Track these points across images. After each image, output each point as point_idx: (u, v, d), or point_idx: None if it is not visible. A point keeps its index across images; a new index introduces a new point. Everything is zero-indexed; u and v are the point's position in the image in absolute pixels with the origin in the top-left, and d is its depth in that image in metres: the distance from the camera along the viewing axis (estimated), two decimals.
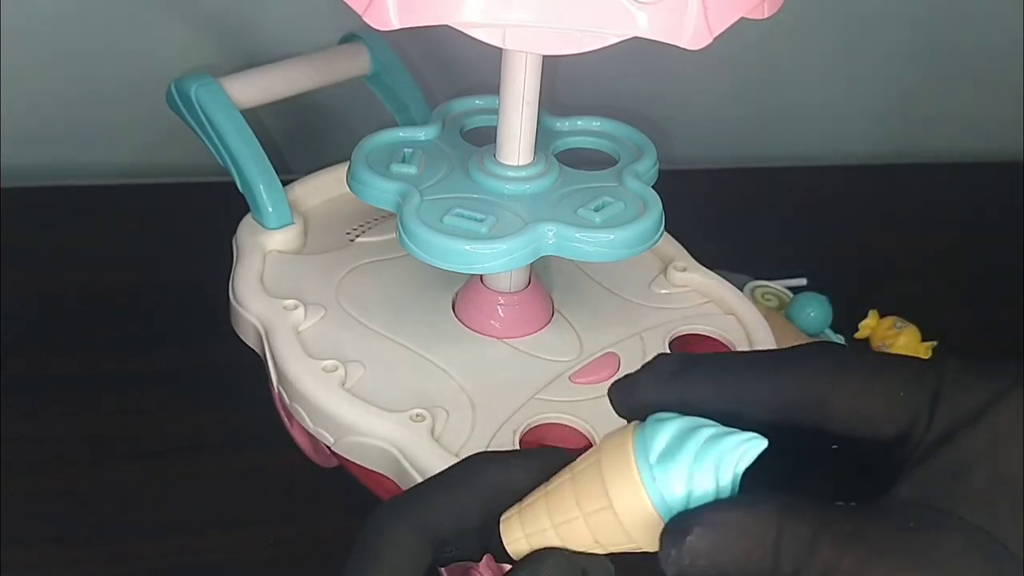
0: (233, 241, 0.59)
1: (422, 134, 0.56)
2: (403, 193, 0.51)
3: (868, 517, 0.31)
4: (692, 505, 0.30)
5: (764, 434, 0.31)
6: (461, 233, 0.49)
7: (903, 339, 0.70)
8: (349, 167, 0.53)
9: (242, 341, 0.56)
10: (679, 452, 0.30)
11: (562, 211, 0.51)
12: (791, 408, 0.33)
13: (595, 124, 0.58)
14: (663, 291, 0.58)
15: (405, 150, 0.54)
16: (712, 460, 0.30)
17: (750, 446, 0.31)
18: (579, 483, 0.32)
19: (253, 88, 0.61)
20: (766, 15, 0.43)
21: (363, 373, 0.52)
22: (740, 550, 0.30)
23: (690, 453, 0.30)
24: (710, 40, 0.39)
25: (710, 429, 0.31)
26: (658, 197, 0.52)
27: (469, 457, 0.35)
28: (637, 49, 0.41)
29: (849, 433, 0.33)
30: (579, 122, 0.58)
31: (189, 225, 0.75)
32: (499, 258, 0.49)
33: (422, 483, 0.35)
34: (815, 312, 0.70)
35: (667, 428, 0.31)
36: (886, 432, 0.33)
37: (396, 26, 0.39)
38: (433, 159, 0.54)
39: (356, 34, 0.66)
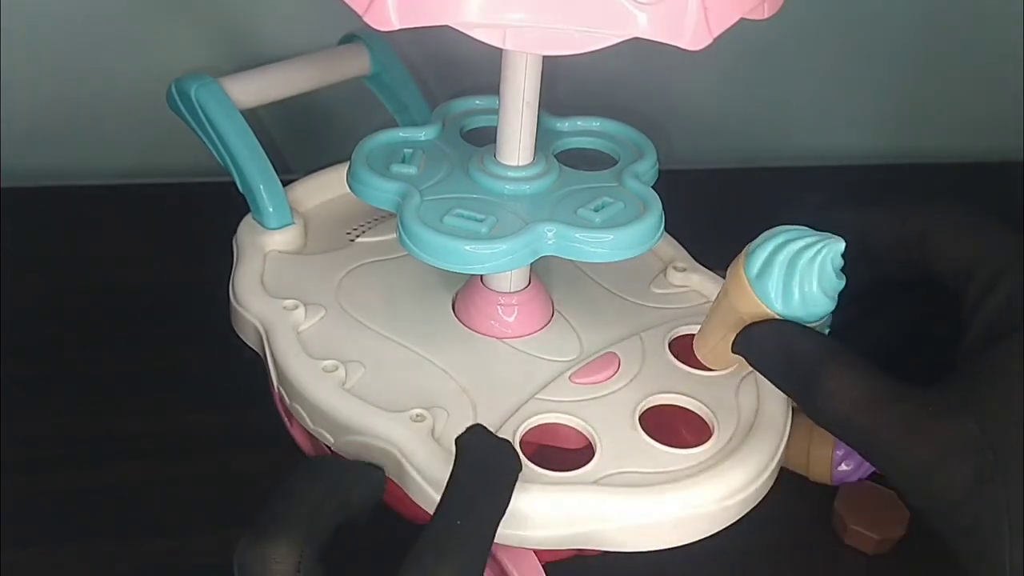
0: (233, 241, 0.60)
1: (422, 134, 0.56)
2: (403, 193, 0.51)
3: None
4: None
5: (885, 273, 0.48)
6: (461, 233, 0.49)
7: None
8: (349, 167, 0.53)
9: (242, 341, 0.56)
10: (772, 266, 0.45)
11: (562, 211, 0.51)
12: (902, 245, 0.46)
13: (595, 124, 0.58)
14: (663, 291, 0.59)
15: (405, 150, 0.54)
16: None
17: (831, 246, 0.44)
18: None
19: (253, 88, 0.61)
20: (766, 15, 0.43)
21: (363, 373, 0.52)
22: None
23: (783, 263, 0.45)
24: (710, 40, 0.39)
25: (799, 242, 0.45)
26: (658, 197, 0.52)
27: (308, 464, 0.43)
28: (637, 49, 0.41)
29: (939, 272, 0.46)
30: (579, 122, 0.58)
31: (189, 225, 0.75)
32: (499, 258, 0.49)
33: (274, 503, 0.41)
34: None
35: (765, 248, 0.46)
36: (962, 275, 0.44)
37: (396, 26, 0.39)
38: (433, 159, 0.54)
39: (356, 34, 0.66)
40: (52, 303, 0.69)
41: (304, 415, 0.52)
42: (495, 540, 0.46)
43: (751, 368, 0.53)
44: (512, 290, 0.55)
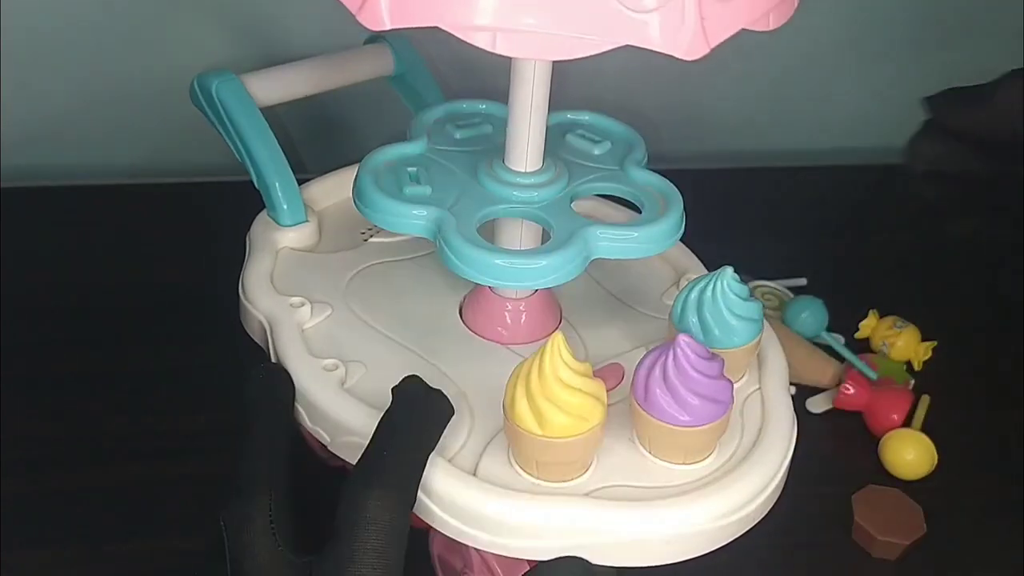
0: (247, 237, 0.60)
1: (413, 148, 0.54)
2: (437, 219, 0.49)
3: None
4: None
5: None
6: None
7: (903, 339, 0.70)
8: (363, 198, 0.51)
9: (243, 339, 0.56)
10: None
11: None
12: None
13: (585, 118, 0.58)
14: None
15: (408, 169, 0.53)
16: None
17: (721, 276, 0.50)
18: None
19: (275, 86, 0.61)
20: (772, 26, 0.42)
21: (364, 374, 0.52)
22: None
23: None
24: (707, 51, 0.38)
25: (699, 283, 0.50)
26: (672, 184, 0.52)
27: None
28: (635, 49, 0.41)
29: None
30: (569, 115, 0.58)
31: (191, 225, 0.76)
32: (557, 271, 0.48)
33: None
34: (808, 314, 0.70)
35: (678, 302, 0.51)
36: None
37: (388, 26, 0.38)
38: (437, 173, 0.53)
39: (381, 35, 0.66)
40: (52, 303, 0.69)
41: (303, 413, 0.51)
42: (491, 549, 0.47)
43: (757, 385, 0.53)
44: (520, 296, 0.54)
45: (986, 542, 0.60)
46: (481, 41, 0.37)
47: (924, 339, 0.70)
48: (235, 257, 0.59)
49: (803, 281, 0.75)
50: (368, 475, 0.44)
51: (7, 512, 0.56)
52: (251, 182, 0.60)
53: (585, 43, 0.38)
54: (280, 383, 0.51)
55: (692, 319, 0.50)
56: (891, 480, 0.63)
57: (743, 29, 0.40)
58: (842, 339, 0.71)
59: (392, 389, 0.48)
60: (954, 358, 0.71)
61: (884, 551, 0.59)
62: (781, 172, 0.89)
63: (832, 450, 0.65)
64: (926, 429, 0.64)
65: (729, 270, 0.50)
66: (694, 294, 0.50)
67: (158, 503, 0.58)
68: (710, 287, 0.50)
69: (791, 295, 0.73)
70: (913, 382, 0.69)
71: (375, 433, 0.46)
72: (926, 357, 0.70)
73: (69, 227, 0.76)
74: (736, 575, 0.55)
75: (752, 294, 0.51)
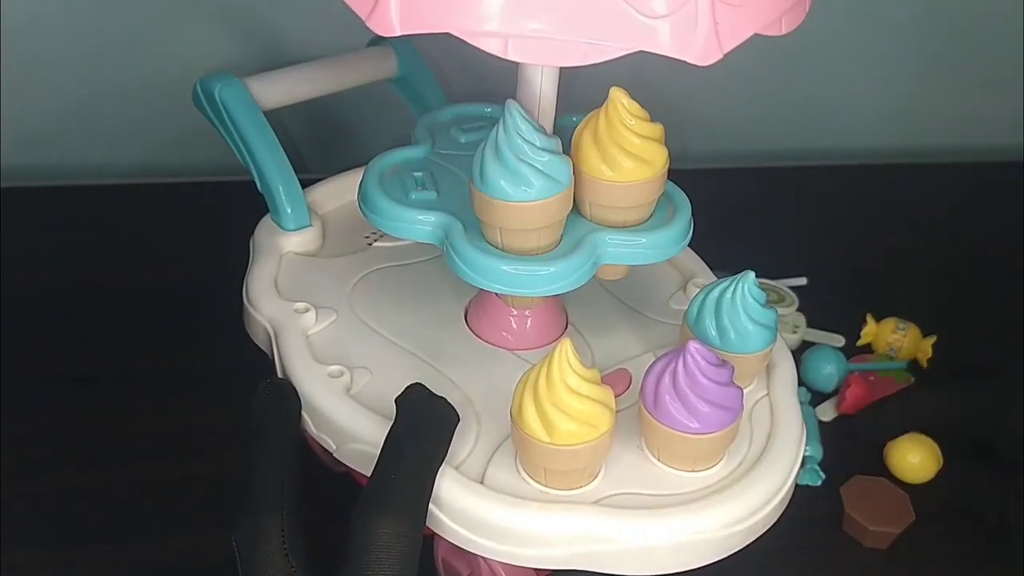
0: (251, 241, 0.59)
1: (417, 152, 0.54)
2: (444, 224, 0.49)
3: None
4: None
5: None
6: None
7: (908, 339, 0.71)
8: (369, 203, 0.51)
9: (243, 341, 0.56)
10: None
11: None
12: None
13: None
14: (681, 307, 0.57)
15: (415, 174, 0.52)
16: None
17: (744, 279, 0.49)
18: None
19: (278, 89, 0.61)
20: (783, 31, 0.41)
21: (369, 380, 0.52)
22: None
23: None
24: (720, 56, 0.38)
25: (720, 284, 0.50)
26: (680, 189, 0.52)
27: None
28: (643, 52, 0.40)
29: None
30: (574, 119, 0.57)
31: (191, 225, 0.75)
32: (564, 277, 0.48)
33: None
34: (832, 367, 0.69)
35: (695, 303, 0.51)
36: None
37: (398, 32, 0.38)
38: (442, 177, 0.52)
39: (384, 37, 0.65)
40: (52, 303, 0.69)
41: (308, 420, 0.51)
42: (498, 558, 0.47)
43: (766, 391, 0.52)
44: None
45: (985, 542, 0.60)
46: (493, 47, 0.37)
47: (924, 335, 0.71)
48: (236, 257, 0.59)
49: (803, 281, 0.75)
50: (380, 502, 0.44)
51: (7, 512, 0.56)
52: (252, 182, 0.59)
53: (598, 49, 0.37)
54: (286, 398, 0.51)
55: (709, 321, 0.50)
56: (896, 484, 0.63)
57: (755, 34, 0.39)
58: (842, 340, 0.71)
59: (396, 400, 0.48)
60: (954, 357, 0.71)
61: (876, 541, 0.59)
62: (782, 172, 0.89)
63: (832, 451, 0.64)
64: (928, 430, 0.64)
65: (751, 275, 0.50)
66: (713, 295, 0.50)
67: (159, 503, 0.57)
68: (731, 289, 0.50)
69: (792, 295, 0.72)
70: (912, 379, 0.69)
71: (382, 453, 0.46)
72: (929, 355, 0.70)
73: (69, 227, 0.76)
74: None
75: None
